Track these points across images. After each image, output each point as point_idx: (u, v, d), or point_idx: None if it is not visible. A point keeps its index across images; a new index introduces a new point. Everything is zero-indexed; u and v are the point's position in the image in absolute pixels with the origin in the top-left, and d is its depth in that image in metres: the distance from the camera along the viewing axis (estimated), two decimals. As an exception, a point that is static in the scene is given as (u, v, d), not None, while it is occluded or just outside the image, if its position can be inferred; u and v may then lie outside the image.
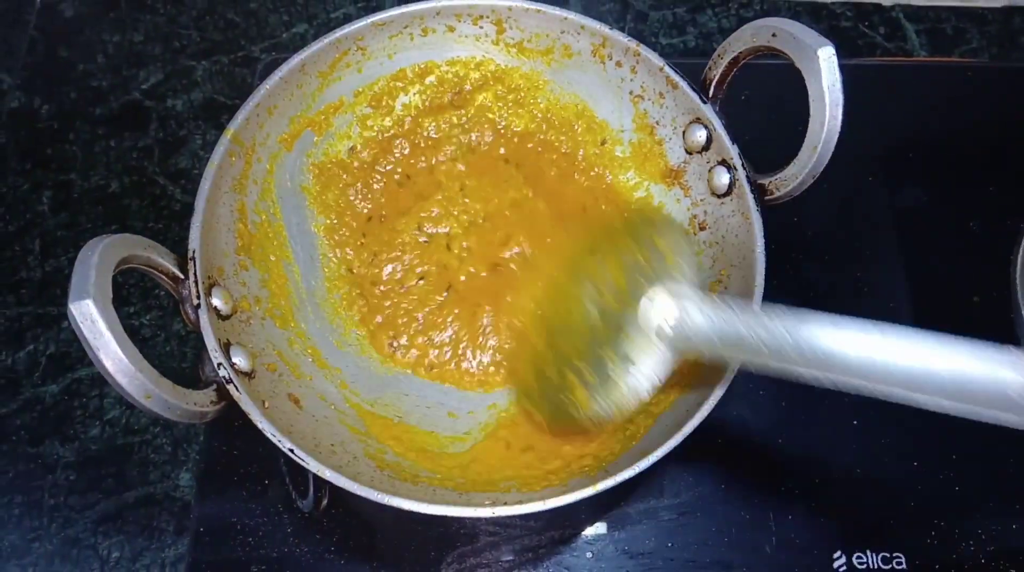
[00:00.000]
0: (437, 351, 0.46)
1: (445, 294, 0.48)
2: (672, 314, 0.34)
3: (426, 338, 0.47)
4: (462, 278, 0.48)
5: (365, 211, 0.49)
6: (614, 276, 0.38)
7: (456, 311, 0.47)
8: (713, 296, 0.35)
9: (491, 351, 0.46)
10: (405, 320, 0.47)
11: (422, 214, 0.49)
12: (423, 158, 0.50)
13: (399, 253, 0.49)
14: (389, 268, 0.48)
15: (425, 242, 0.49)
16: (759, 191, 0.41)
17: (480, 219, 0.50)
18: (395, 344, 0.46)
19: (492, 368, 0.46)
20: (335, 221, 0.48)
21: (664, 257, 0.36)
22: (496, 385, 0.46)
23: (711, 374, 0.38)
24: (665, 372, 0.35)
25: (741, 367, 0.34)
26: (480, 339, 0.47)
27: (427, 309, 0.47)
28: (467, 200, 0.50)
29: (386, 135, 0.49)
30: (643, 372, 0.35)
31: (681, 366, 0.41)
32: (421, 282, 0.48)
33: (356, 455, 0.39)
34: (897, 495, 0.45)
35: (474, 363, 0.46)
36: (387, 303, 0.48)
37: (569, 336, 0.39)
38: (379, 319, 0.47)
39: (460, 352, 0.46)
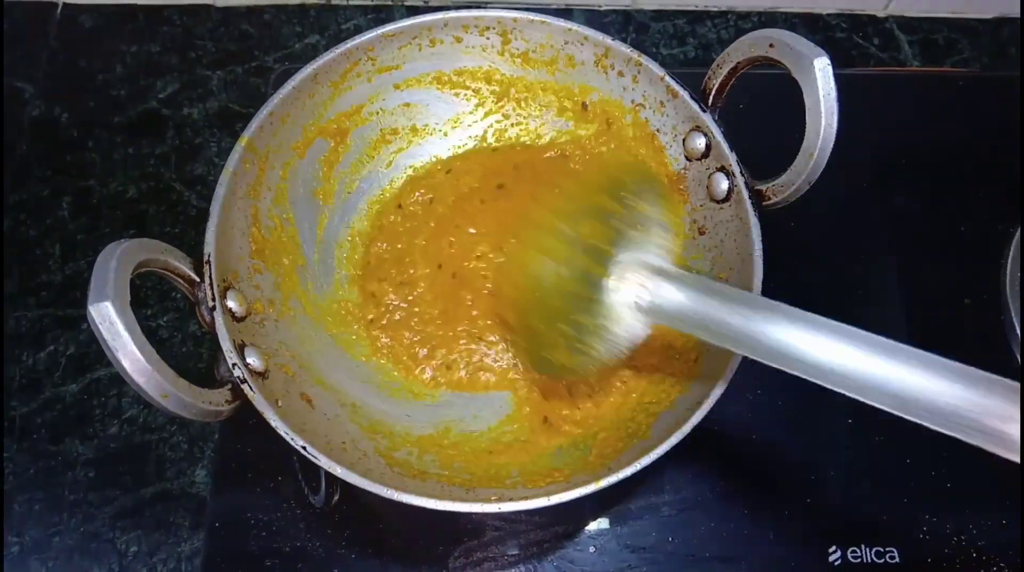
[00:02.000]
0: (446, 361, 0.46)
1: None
2: (645, 292, 0.35)
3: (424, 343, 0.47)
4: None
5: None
6: (591, 236, 0.38)
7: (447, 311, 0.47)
8: (685, 273, 0.36)
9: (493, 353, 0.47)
10: (411, 325, 0.47)
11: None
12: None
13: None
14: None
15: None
16: (757, 197, 0.41)
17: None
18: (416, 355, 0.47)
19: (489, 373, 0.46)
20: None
21: (640, 221, 0.37)
22: (497, 387, 0.46)
23: (711, 373, 0.39)
24: (641, 336, 0.37)
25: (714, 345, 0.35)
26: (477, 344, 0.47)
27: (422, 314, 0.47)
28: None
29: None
30: (620, 337, 0.36)
31: (681, 367, 0.43)
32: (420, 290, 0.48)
33: (366, 452, 0.40)
34: (891, 491, 0.45)
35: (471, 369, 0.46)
36: (392, 311, 0.48)
37: (549, 300, 0.39)
38: (384, 339, 0.47)
39: (463, 361, 0.46)
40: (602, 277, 0.36)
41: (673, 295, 0.34)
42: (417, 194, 0.51)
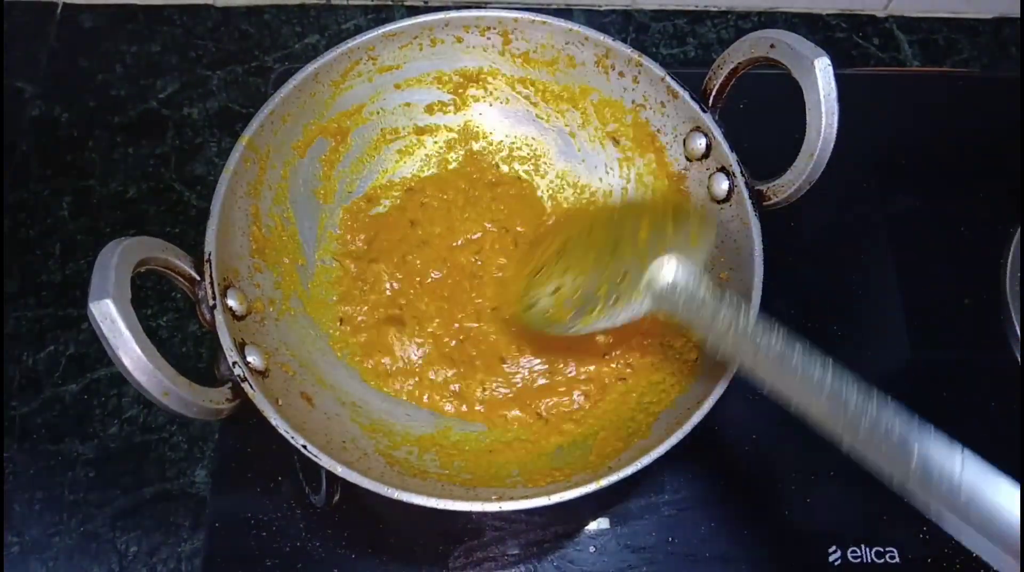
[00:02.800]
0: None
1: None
2: (671, 278, 0.38)
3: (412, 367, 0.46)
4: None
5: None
6: (643, 234, 0.41)
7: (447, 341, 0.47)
8: (712, 284, 0.37)
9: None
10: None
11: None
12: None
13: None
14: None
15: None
16: (757, 197, 0.42)
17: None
18: (385, 365, 0.46)
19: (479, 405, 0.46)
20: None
21: (690, 238, 0.40)
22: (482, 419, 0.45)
23: (711, 373, 0.39)
24: (631, 319, 0.39)
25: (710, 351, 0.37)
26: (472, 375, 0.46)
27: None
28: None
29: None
30: (618, 313, 0.39)
31: (681, 367, 0.43)
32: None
33: (367, 451, 0.40)
34: (890, 491, 0.45)
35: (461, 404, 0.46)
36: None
37: (583, 260, 0.43)
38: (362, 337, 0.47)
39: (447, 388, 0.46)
40: (637, 262, 0.39)
41: (697, 288, 0.37)
42: (416, 194, 0.51)
